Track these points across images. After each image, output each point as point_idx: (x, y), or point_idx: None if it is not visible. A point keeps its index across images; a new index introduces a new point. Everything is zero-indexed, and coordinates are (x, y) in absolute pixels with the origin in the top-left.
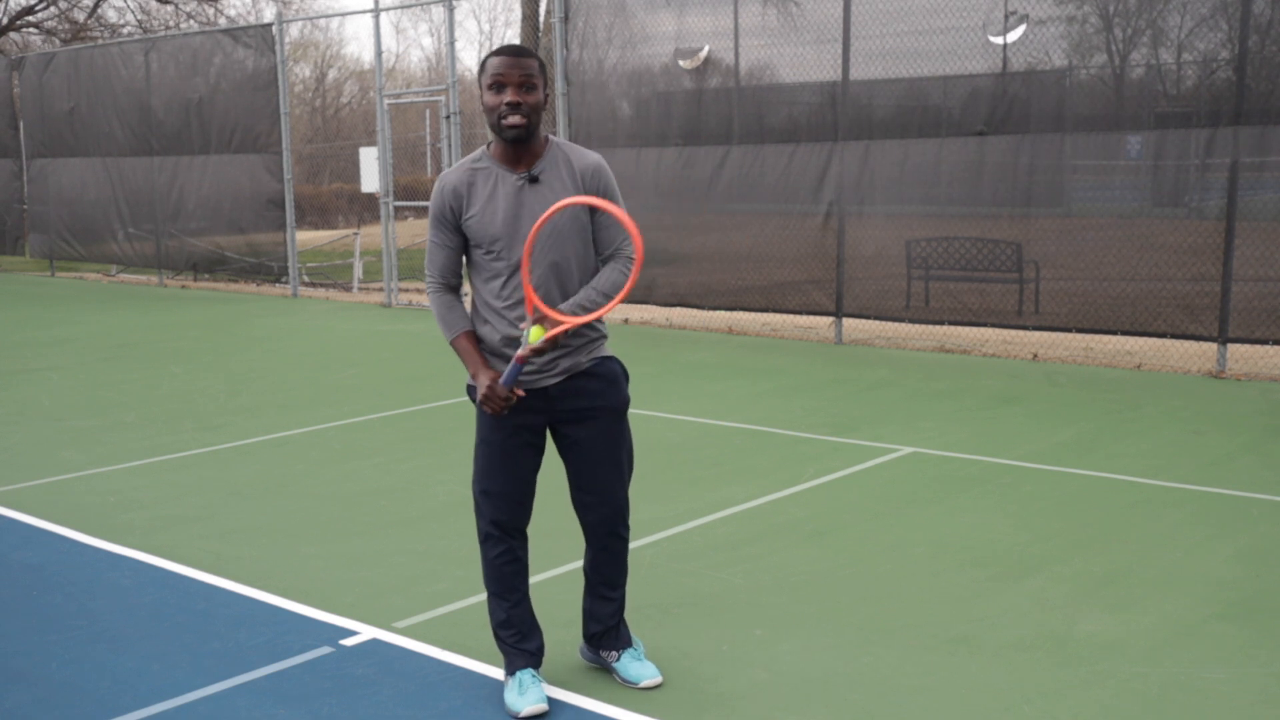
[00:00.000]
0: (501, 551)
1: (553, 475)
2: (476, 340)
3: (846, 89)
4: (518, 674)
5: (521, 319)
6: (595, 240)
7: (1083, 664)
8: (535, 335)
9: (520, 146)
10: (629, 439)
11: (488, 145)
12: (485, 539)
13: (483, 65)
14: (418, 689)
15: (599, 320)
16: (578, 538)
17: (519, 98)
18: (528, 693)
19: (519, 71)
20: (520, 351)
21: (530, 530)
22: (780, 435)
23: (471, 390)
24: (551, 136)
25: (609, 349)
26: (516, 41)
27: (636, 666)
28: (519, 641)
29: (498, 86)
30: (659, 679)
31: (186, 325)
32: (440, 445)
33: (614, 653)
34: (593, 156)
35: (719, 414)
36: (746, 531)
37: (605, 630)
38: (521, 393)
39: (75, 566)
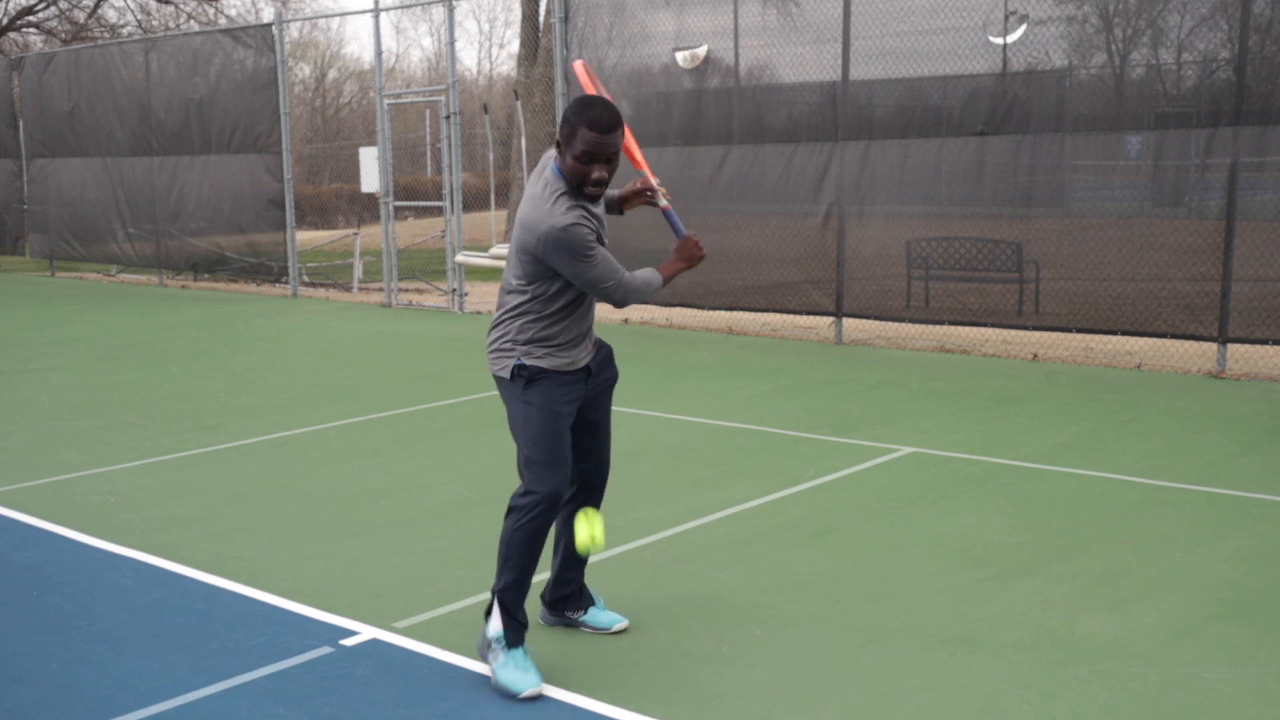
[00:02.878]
0: (548, 521)
1: None
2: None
3: (846, 89)
4: (517, 650)
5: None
6: None
7: (1083, 664)
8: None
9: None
10: None
11: (556, 169)
12: (544, 510)
13: (573, 126)
14: (418, 689)
15: None
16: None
17: (604, 174)
18: (530, 671)
19: (607, 150)
20: (664, 203)
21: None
22: (780, 435)
23: (520, 369)
24: None
25: None
26: (517, 43)
27: (605, 616)
28: (524, 614)
29: (587, 158)
30: (626, 622)
31: (186, 325)
32: (440, 445)
33: (580, 611)
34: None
35: (719, 414)
36: (746, 531)
37: (571, 592)
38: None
39: (75, 566)
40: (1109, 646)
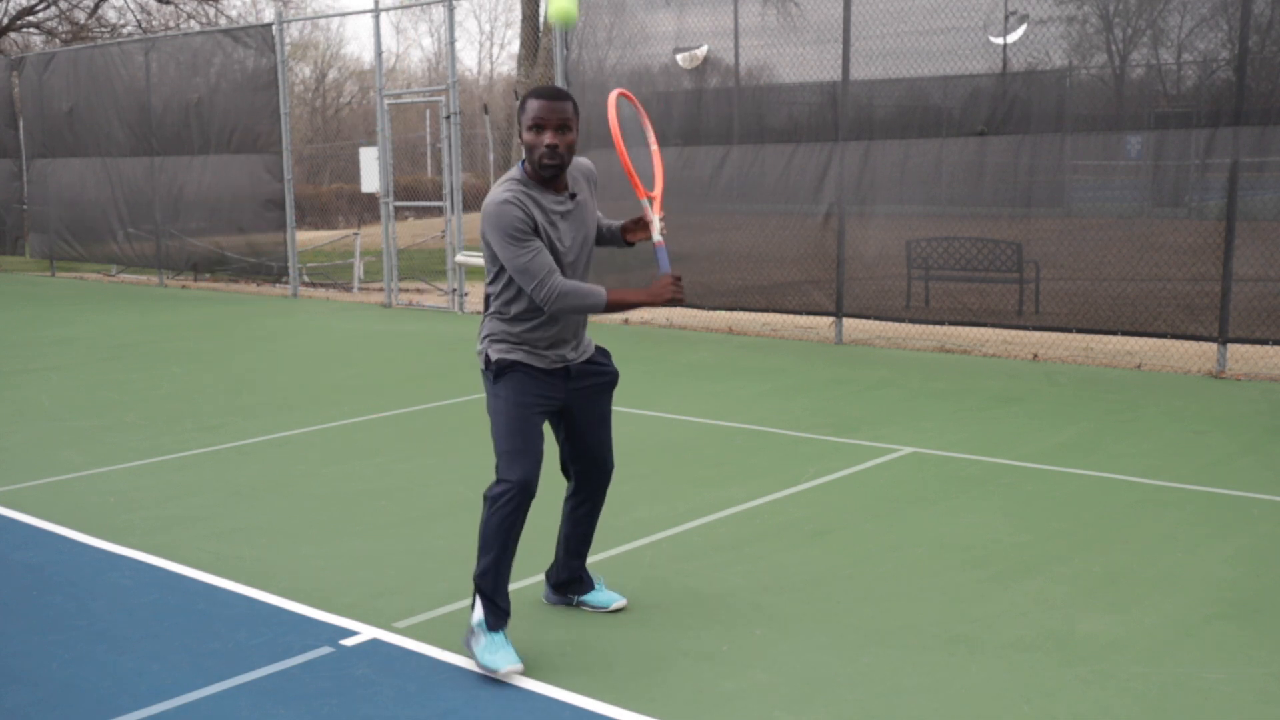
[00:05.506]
0: (519, 509)
1: (546, 482)
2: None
3: (846, 89)
4: (497, 634)
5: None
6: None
7: (1083, 664)
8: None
9: (556, 179)
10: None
11: (521, 165)
12: (513, 498)
13: (523, 104)
14: (418, 689)
15: None
16: None
17: (556, 140)
18: (504, 650)
19: (557, 116)
20: (659, 238)
21: (528, 533)
22: (780, 435)
23: (503, 364)
24: None
25: None
26: (517, 43)
27: (604, 595)
28: (504, 600)
29: (537, 128)
30: (625, 601)
31: (186, 325)
32: (440, 445)
33: (582, 593)
34: (586, 161)
35: (719, 414)
36: (747, 531)
37: (574, 578)
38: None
39: (75, 566)
40: (1109, 646)
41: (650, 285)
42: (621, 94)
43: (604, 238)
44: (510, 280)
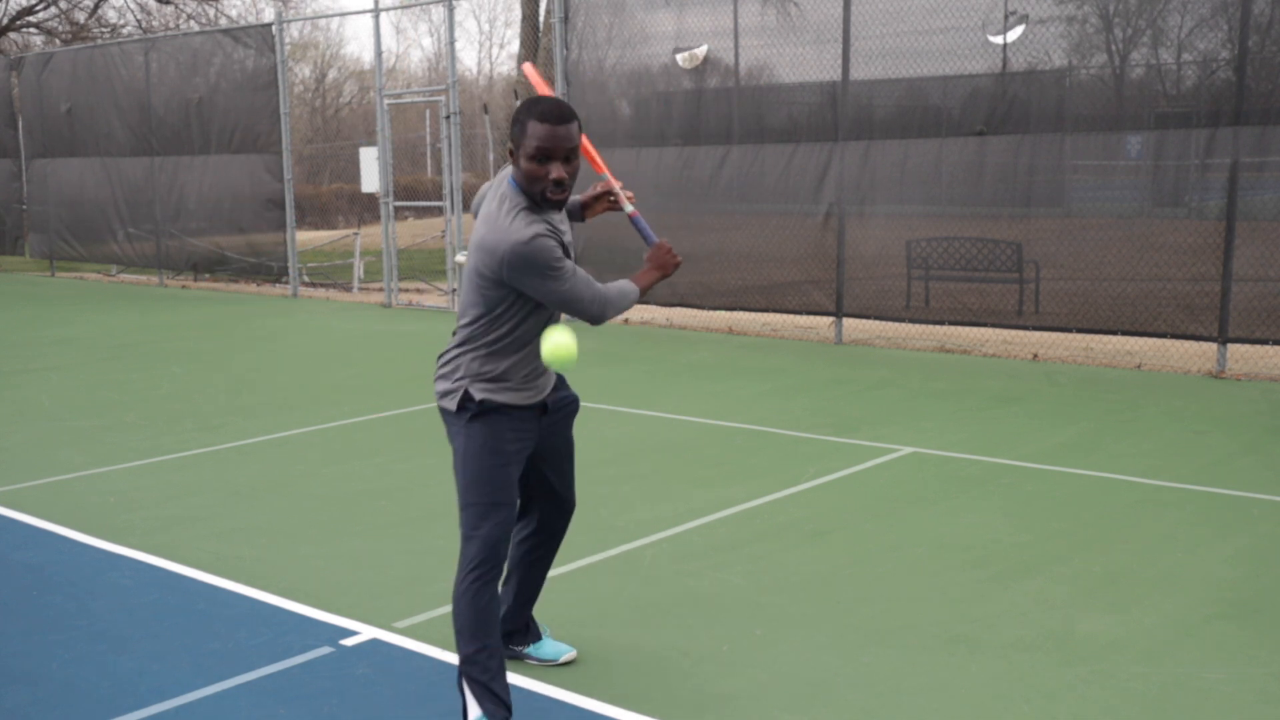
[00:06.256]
0: (491, 577)
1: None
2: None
3: (846, 89)
4: None
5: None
6: None
7: (1083, 664)
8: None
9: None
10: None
11: (513, 183)
12: (484, 562)
13: (523, 124)
14: (418, 689)
15: None
16: (579, 540)
17: (563, 174)
18: None
19: (564, 146)
20: (631, 209)
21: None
22: (780, 435)
23: (468, 400)
24: None
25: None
26: (517, 43)
27: (551, 647)
28: (502, 688)
29: (542, 157)
30: (574, 653)
31: (186, 325)
32: (440, 445)
33: (525, 644)
34: None
35: (719, 414)
36: (746, 531)
37: (518, 628)
38: None
39: (75, 566)
40: (1109, 646)
41: (651, 259)
42: (530, 65)
43: None
44: (507, 310)
